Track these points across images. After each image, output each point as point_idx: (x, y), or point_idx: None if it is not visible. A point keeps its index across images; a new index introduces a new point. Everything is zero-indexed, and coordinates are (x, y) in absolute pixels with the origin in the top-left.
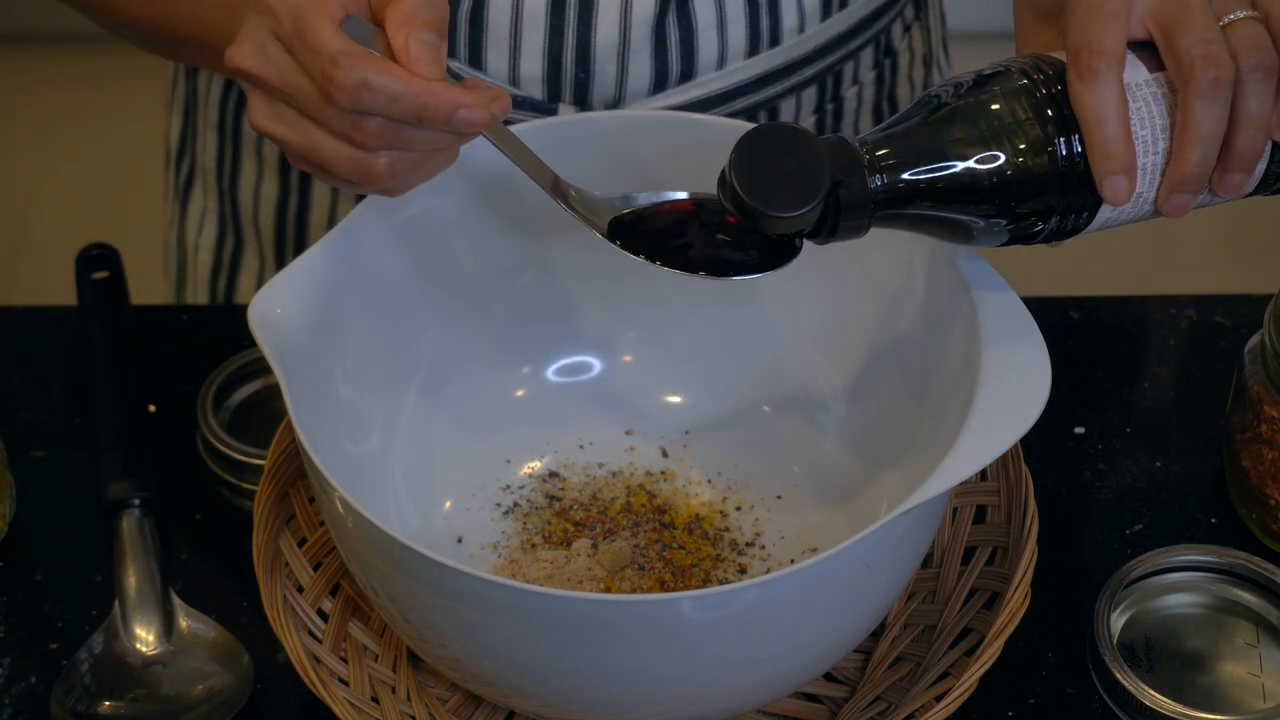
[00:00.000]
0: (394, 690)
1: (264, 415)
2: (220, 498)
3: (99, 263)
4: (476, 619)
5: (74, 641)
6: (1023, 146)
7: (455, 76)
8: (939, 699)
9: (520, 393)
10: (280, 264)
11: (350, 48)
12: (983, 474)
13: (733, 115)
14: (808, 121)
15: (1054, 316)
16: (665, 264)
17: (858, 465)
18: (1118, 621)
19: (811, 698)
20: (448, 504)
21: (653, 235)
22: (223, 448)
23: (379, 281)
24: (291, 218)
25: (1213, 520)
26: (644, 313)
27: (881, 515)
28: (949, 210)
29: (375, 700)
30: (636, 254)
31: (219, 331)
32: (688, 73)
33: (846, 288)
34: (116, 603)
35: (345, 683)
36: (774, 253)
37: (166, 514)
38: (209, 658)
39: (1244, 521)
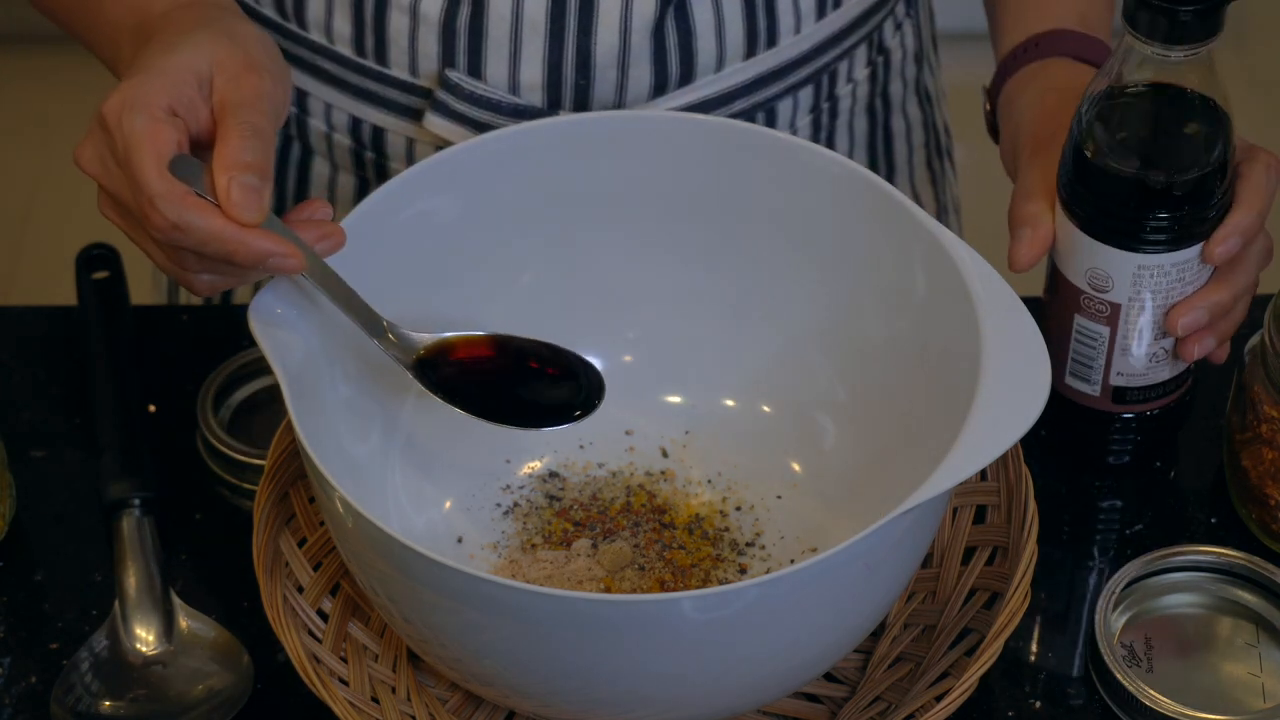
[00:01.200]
0: (394, 690)
1: (264, 415)
2: (220, 498)
3: (99, 263)
4: (476, 619)
5: (74, 641)
6: (1206, 168)
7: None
8: (939, 699)
9: None
10: None
11: (169, 190)
12: (983, 474)
13: (731, 117)
14: (804, 122)
15: None
16: (464, 409)
17: (858, 465)
18: (1118, 621)
19: (811, 698)
20: (448, 504)
21: (457, 374)
22: (223, 448)
23: (379, 281)
24: None
25: (1213, 520)
26: (644, 313)
27: (881, 515)
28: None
29: (375, 700)
30: (438, 394)
31: (219, 331)
32: (686, 76)
33: (847, 288)
34: (116, 603)
35: (345, 683)
36: (572, 403)
37: (166, 514)
38: (209, 658)
39: (1244, 521)
